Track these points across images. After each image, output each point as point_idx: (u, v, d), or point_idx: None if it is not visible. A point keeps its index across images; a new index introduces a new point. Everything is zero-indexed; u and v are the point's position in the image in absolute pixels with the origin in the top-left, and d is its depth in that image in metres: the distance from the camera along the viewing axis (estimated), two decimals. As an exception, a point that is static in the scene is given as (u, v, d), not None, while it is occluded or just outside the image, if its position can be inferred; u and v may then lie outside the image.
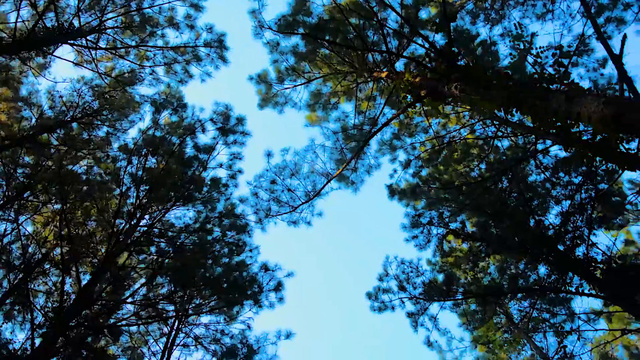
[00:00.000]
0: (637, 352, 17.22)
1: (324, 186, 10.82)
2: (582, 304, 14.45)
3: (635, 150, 8.86)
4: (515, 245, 11.67)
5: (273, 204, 12.03)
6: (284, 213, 11.78)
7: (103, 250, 12.52)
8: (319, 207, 12.04)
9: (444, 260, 13.09)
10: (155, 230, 13.68)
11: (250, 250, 13.02)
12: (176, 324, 14.15)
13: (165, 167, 12.85)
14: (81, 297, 10.52)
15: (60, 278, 10.69)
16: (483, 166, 13.74)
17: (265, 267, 11.83)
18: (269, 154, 11.49)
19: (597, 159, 10.94)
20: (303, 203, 11.41)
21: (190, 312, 14.34)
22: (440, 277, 13.07)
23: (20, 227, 12.01)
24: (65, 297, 10.80)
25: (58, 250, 11.79)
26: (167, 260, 12.89)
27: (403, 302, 12.97)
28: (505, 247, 11.78)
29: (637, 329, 11.16)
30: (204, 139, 14.55)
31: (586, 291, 11.76)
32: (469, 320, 13.10)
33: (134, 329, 14.45)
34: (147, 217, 13.97)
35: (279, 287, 11.63)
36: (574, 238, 12.41)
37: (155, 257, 12.92)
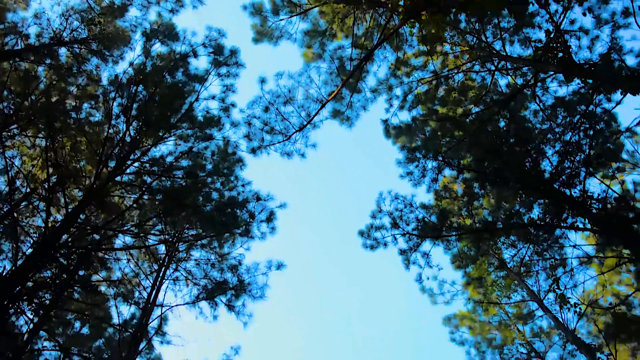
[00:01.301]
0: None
1: (319, 111, 10.51)
2: (575, 252, 14.26)
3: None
4: (512, 179, 11.49)
5: (266, 134, 11.77)
6: (278, 142, 11.52)
7: (91, 180, 12.28)
8: (313, 138, 11.70)
9: (438, 196, 12.91)
10: (146, 164, 13.43)
11: (243, 186, 12.80)
12: (166, 259, 14.05)
13: (155, 98, 12.51)
14: (67, 222, 10.30)
15: (46, 204, 10.44)
16: (480, 108, 13.49)
17: (257, 197, 11.60)
18: (262, 81, 11.13)
19: (598, 86, 10.77)
20: (297, 131, 11.13)
21: (180, 247, 14.22)
22: (434, 216, 12.94)
23: (7, 160, 11.68)
24: (50, 223, 10.58)
25: (45, 184, 11.56)
26: (158, 195, 12.69)
27: (396, 239, 12.84)
28: (502, 181, 11.62)
29: (629, 258, 11.04)
30: (195, 64, 14.15)
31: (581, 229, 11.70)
32: (462, 259, 13.00)
33: (124, 266, 14.36)
34: (137, 152, 13.71)
35: (271, 216, 11.43)
36: (571, 176, 12.27)
37: (144, 189, 12.68)
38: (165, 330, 13.71)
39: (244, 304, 11.65)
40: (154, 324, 13.31)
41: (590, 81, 10.26)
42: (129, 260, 13.97)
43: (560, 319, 13.41)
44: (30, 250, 9.90)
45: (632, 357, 16.11)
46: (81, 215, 11.62)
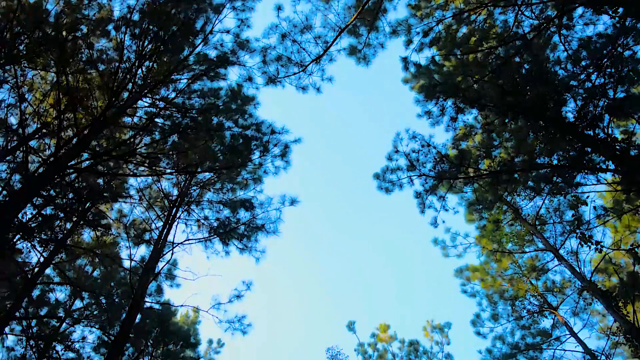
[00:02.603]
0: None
1: (336, 38, 10.21)
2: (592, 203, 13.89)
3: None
4: (534, 114, 11.13)
5: (281, 67, 11.45)
6: (293, 74, 11.21)
7: (102, 108, 12.04)
8: (329, 72, 11.38)
9: (456, 137, 12.56)
10: (159, 103, 13.16)
11: (257, 124, 12.50)
12: (178, 200, 13.87)
13: (168, 32, 12.17)
14: (78, 148, 10.09)
15: (57, 126, 10.20)
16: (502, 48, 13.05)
17: (271, 130, 11.29)
18: (279, 8, 10.77)
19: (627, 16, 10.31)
20: (313, 61, 10.84)
21: (192, 190, 14.03)
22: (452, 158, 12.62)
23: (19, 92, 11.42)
24: (62, 145, 10.37)
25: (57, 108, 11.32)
26: (170, 133, 12.44)
27: (412, 181, 12.58)
28: (523, 119, 11.27)
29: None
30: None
31: (605, 170, 11.36)
32: (479, 203, 12.71)
33: (136, 206, 14.20)
34: (148, 89, 13.43)
35: (285, 150, 11.14)
36: (594, 119, 11.89)
37: (157, 124, 12.43)
38: (175, 273, 13.63)
39: (257, 239, 11.47)
40: (164, 267, 13.20)
41: (622, 10, 9.83)
42: (141, 199, 13.81)
43: (576, 268, 13.17)
44: (41, 169, 9.67)
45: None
46: (93, 143, 11.44)
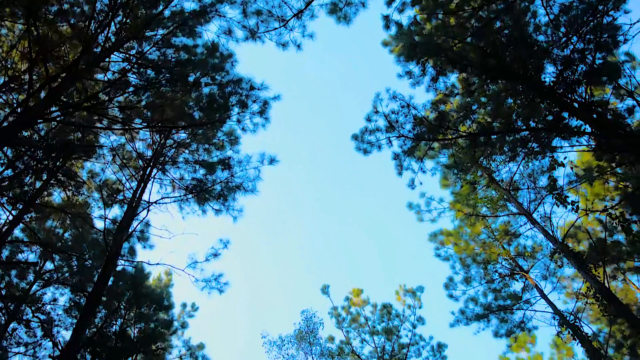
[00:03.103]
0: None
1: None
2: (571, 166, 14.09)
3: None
4: (514, 78, 11.16)
5: (261, 22, 11.16)
6: (273, 29, 10.95)
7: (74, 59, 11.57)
8: (310, 28, 11.10)
9: (437, 99, 12.53)
10: (132, 57, 12.72)
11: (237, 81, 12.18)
12: (152, 160, 13.56)
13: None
14: (49, 100, 9.69)
15: (28, 76, 9.76)
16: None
17: (250, 86, 11.00)
18: (259, -42, 10.44)
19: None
20: (294, 15, 10.57)
21: (167, 152, 13.73)
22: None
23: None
24: (30, 97, 9.95)
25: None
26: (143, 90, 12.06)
27: (391, 142, 12.54)
28: (503, 80, 11.29)
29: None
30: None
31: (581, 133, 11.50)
32: (457, 164, 12.77)
33: (108, 166, 13.84)
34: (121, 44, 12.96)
35: (264, 106, 10.90)
36: (573, 83, 11.99)
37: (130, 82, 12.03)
38: (151, 231, 13.40)
39: (235, 197, 11.31)
40: (139, 226, 12.94)
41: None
42: (114, 158, 13.44)
43: (549, 232, 13.44)
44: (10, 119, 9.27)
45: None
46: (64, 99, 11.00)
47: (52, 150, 10.20)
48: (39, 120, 9.15)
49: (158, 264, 10.90)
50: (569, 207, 10.31)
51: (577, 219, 13.42)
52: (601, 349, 12.88)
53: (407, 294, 20.24)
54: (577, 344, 12.99)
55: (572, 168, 12.37)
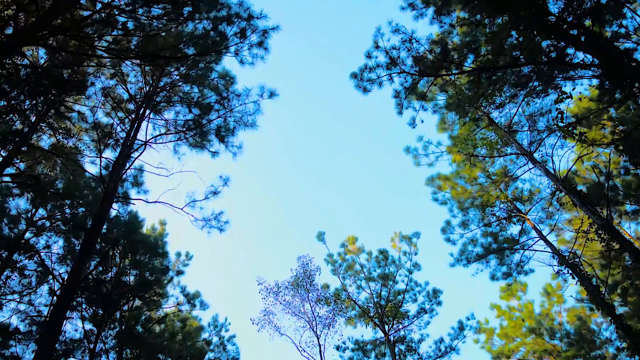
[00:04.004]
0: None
1: None
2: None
3: None
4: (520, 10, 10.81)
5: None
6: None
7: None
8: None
9: (441, 32, 12.17)
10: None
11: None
12: (145, 100, 13.12)
13: None
14: (38, 24, 9.17)
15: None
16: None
17: (249, 15, 10.45)
18: None
19: None
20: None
21: (159, 90, 13.29)
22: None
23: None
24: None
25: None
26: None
27: (392, 79, 12.21)
28: (508, 11, 10.93)
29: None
30: None
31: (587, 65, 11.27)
32: (460, 102, 12.51)
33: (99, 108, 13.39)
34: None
35: (264, 36, 10.40)
36: (579, 17, 11.69)
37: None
38: (147, 169, 13.08)
39: (234, 133, 10.97)
40: (134, 163, 12.54)
41: None
42: (105, 99, 12.98)
43: (550, 170, 13.34)
44: None
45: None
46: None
47: (42, 84, 9.73)
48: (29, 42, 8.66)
49: (156, 202, 10.63)
50: (576, 139, 10.14)
51: (578, 158, 13.31)
52: (600, 287, 12.96)
53: (403, 240, 20.24)
54: (576, 282, 13.05)
55: (580, 99, 12.14)
